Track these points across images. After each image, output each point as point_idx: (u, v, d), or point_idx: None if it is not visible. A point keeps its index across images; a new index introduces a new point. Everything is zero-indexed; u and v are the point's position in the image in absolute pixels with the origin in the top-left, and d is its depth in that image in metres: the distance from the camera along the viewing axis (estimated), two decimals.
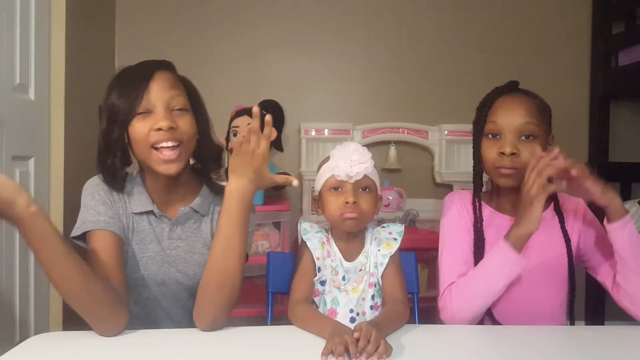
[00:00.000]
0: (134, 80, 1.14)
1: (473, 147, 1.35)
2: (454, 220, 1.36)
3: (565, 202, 1.36)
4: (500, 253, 1.22)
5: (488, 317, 1.30)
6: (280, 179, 1.15)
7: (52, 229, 0.97)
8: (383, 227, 1.29)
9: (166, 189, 1.22)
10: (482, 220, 1.33)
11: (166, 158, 1.13)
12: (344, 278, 1.24)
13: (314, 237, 1.25)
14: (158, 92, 1.13)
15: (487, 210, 1.36)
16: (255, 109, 1.11)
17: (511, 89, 1.32)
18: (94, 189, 1.18)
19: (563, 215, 1.32)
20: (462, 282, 1.26)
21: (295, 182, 1.16)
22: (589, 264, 1.34)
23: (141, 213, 1.21)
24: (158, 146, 1.13)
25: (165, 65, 1.19)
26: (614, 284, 1.25)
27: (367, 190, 1.22)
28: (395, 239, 1.26)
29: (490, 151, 1.30)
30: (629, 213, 1.21)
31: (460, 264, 1.30)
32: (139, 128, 1.12)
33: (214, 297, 1.10)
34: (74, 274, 1.00)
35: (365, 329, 0.97)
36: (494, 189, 1.40)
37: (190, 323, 1.24)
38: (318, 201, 1.27)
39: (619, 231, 1.20)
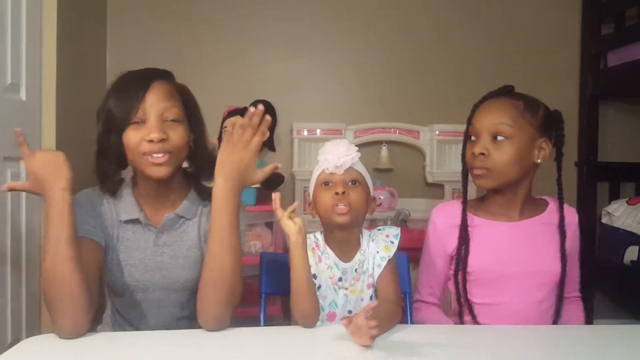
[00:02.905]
0: (131, 89, 1.16)
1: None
2: (433, 241, 1.41)
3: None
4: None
5: (472, 320, 1.31)
6: (266, 170, 1.15)
7: (71, 215, 1.06)
8: (379, 229, 1.30)
9: (156, 195, 1.24)
10: (467, 227, 1.35)
11: (155, 161, 1.15)
12: (340, 279, 1.24)
13: None
14: (153, 103, 1.15)
15: (473, 220, 1.37)
16: (260, 107, 1.11)
17: (501, 93, 1.33)
18: (79, 202, 1.20)
19: (565, 234, 1.32)
20: (421, 315, 1.40)
21: (279, 165, 1.16)
22: None
23: (127, 221, 1.23)
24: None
25: (163, 75, 1.21)
26: None
27: (357, 184, 1.23)
28: (393, 242, 1.27)
29: (468, 153, 1.33)
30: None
31: (431, 284, 1.42)
32: (132, 137, 1.15)
33: (215, 295, 1.10)
34: (67, 260, 1.04)
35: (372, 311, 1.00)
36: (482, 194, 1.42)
37: (176, 327, 1.24)
38: (312, 203, 1.28)
39: None
